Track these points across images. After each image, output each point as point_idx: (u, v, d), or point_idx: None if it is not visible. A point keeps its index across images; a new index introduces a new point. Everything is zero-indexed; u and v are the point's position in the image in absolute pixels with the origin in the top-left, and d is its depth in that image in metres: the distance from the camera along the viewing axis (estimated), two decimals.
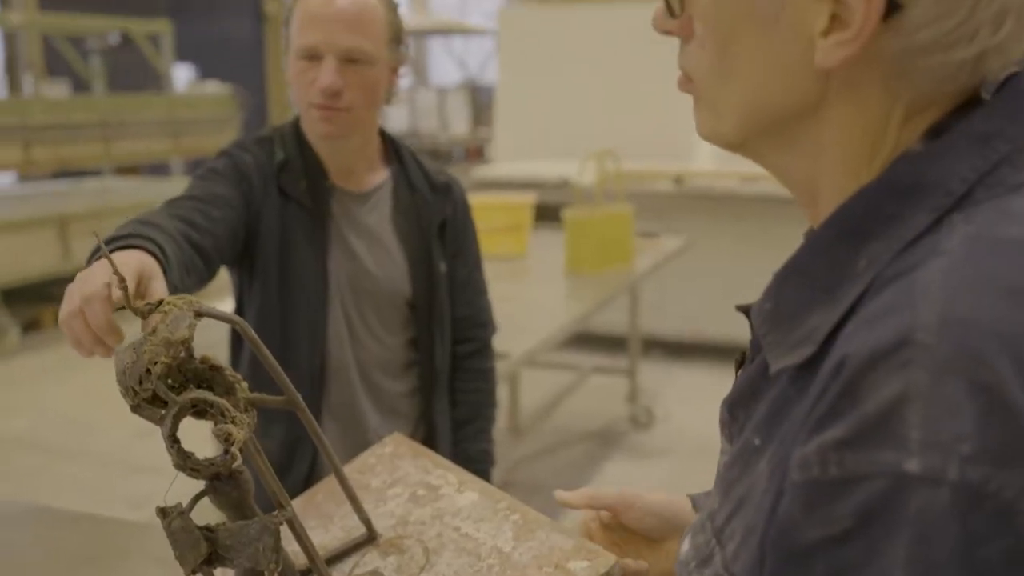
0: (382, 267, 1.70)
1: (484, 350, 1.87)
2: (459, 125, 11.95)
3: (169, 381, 0.95)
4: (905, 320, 0.50)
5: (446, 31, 12.93)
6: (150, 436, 0.93)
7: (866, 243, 0.57)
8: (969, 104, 0.59)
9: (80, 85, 8.33)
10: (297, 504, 1.23)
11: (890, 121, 0.59)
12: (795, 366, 0.58)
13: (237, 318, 0.95)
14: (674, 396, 4.78)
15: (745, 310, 0.69)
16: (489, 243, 3.96)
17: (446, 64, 15.36)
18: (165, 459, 0.89)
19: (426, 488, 1.10)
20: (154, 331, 0.92)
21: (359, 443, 1.65)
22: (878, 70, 0.58)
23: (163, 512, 0.92)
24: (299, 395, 0.98)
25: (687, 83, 0.65)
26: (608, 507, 0.98)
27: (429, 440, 1.78)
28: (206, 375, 0.97)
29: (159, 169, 8.78)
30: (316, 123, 1.59)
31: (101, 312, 1.01)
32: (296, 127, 1.68)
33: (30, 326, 6.00)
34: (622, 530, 0.99)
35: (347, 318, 1.69)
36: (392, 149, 1.76)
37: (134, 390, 0.92)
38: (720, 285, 4.96)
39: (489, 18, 12.60)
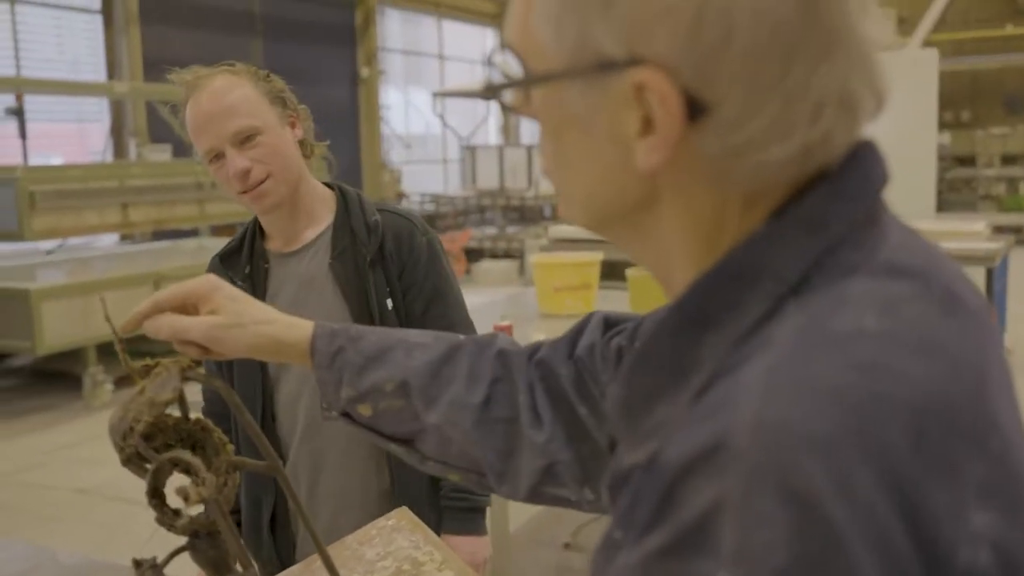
0: (319, 310, 1.71)
1: None
2: (547, 183, 12.06)
3: (168, 441, 0.99)
4: (722, 423, 0.48)
5: None
6: None
7: (705, 332, 0.55)
8: (817, 180, 0.56)
9: (183, 150, 8.67)
10: (297, 569, 1.28)
11: (726, 212, 0.57)
12: (644, 463, 0.55)
13: (221, 384, 0.99)
14: None
15: None
16: (556, 302, 4.01)
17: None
18: None
19: (411, 563, 1.18)
20: (142, 391, 0.96)
21: (366, 488, 1.73)
22: (698, 170, 0.56)
23: (137, 564, 0.96)
24: (280, 461, 1.01)
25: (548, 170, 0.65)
26: (196, 344, 0.96)
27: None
28: (198, 436, 1.01)
29: None
30: (251, 205, 1.74)
31: None
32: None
33: (122, 380, 6.21)
34: None
35: (303, 371, 1.73)
36: (340, 198, 1.84)
37: (120, 446, 0.96)
38: None
39: None
